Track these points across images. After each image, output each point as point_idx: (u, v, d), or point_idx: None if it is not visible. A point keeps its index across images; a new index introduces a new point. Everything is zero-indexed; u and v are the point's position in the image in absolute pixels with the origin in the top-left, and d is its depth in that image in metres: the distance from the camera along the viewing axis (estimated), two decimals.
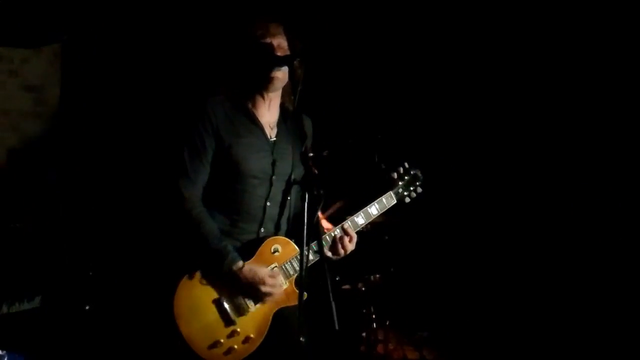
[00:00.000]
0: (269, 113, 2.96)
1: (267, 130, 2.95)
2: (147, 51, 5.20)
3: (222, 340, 2.74)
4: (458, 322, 4.95)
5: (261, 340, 2.80)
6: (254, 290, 2.76)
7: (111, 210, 4.84)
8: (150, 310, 2.95)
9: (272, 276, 2.79)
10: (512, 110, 4.96)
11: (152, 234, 4.18)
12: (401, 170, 3.18)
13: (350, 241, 2.96)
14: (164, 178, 2.88)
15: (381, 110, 5.19)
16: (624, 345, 4.16)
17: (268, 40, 2.84)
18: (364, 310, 4.43)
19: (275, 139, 2.95)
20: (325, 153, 4.23)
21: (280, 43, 2.85)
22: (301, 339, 2.60)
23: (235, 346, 2.75)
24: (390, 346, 4.50)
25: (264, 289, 2.76)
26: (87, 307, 4.32)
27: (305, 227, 2.47)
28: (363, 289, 4.46)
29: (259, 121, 2.93)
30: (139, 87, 5.18)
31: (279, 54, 2.82)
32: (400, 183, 3.16)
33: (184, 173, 2.80)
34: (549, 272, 4.65)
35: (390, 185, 3.14)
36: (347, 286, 4.46)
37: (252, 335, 2.78)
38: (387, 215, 3.25)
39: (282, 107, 3.02)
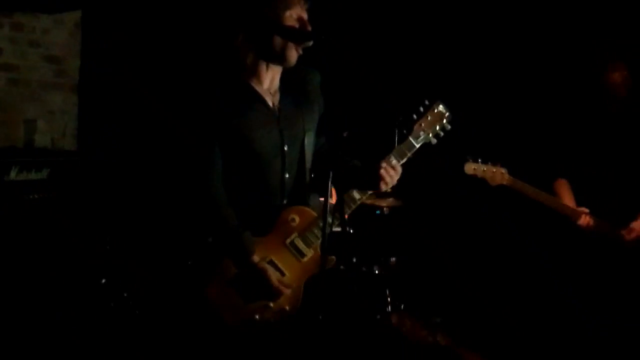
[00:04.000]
0: (269, 81, 2.83)
1: (269, 99, 2.83)
2: (166, 22, 5.18)
3: (257, 317, 2.74)
4: (472, 309, 4.95)
5: (296, 309, 2.78)
6: (262, 287, 2.75)
7: (132, 184, 4.84)
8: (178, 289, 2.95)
9: (282, 283, 2.75)
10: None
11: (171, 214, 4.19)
12: (421, 109, 2.91)
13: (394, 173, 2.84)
14: (179, 168, 2.85)
15: (402, 91, 5.16)
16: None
17: (294, 14, 2.71)
18: (379, 293, 4.44)
19: (278, 105, 2.84)
20: (345, 134, 4.18)
21: (304, 16, 2.72)
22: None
23: (271, 319, 2.75)
24: (404, 330, 4.49)
25: (268, 291, 2.74)
26: (102, 281, 4.35)
27: (326, 205, 2.46)
28: (378, 272, 4.46)
29: (258, 92, 2.81)
30: (159, 59, 5.16)
31: (306, 28, 2.70)
32: (422, 125, 2.89)
33: (201, 163, 2.74)
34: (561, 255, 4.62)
35: (408, 130, 2.89)
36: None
37: (286, 308, 2.77)
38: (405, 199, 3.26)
39: (285, 72, 2.86)
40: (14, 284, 3.97)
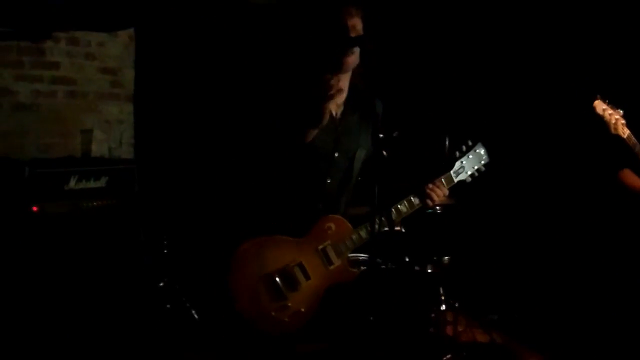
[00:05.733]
0: (335, 89, 2.96)
1: (333, 108, 2.98)
2: (219, 33, 5.28)
3: (273, 314, 2.82)
4: (528, 306, 4.90)
5: (312, 314, 2.87)
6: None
7: (187, 190, 4.94)
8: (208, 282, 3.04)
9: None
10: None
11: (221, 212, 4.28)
12: (463, 148, 3.15)
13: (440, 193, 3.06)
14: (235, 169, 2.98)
15: (453, 93, 5.15)
16: None
17: (342, 21, 2.84)
18: (433, 292, 4.41)
19: (340, 116, 3.00)
20: (395, 134, 4.21)
21: (355, 24, 2.85)
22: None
23: (286, 319, 2.83)
24: (460, 328, 4.47)
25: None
26: (161, 284, 4.45)
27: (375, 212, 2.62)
28: (431, 271, 4.44)
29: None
30: (211, 68, 5.27)
31: (352, 35, 2.83)
32: (463, 162, 3.12)
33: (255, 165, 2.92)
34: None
35: (450, 166, 3.11)
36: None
37: (302, 310, 2.85)
38: (456, 197, 3.30)
39: (352, 86, 3.03)
40: (75, 288, 4.09)
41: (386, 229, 2.86)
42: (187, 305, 4.26)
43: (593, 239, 4.73)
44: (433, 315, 4.39)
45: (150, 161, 5.06)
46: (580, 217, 4.85)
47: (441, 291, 4.40)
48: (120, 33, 5.25)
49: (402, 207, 3.01)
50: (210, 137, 5.06)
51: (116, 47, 5.26)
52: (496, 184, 5.00)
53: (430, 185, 3.04)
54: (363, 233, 2.90)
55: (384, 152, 2.71)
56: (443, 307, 4.38)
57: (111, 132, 5.22)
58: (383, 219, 2.79)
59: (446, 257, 4.50)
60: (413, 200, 3.03)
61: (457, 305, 4.49)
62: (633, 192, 3.89)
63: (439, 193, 3.04)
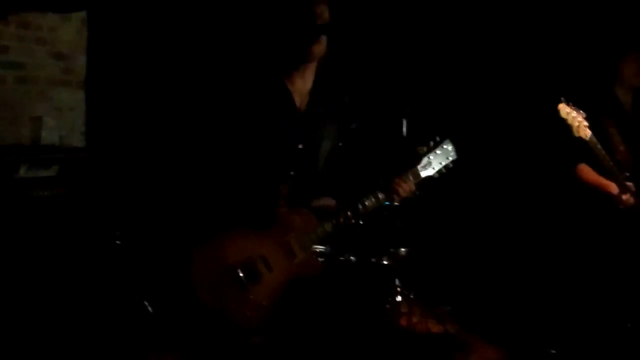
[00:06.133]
0: (302, 81, 2.96)
1: (297, 99, 2.95)
2: (175, 18, 5.19)
3: (234, 306, 2.80)
4: (480, 297, 4.96)
5: (273, 306, 2.86)
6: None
7: (141, 180, 4.85)
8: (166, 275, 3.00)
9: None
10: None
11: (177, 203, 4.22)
12: (431, 144, 3.13)
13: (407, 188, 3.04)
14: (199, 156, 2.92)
15: (411, 83, 5.16)
16: None
17: (310, 8, 2.80)
18: (389, 283, 4.44)
19: (305, 107, 2.97)
20: (353, 126, 4.20)
21: (322, 12, 2.82)
22: None
23: (248, 313, 2.82)
24: (414, 319, 4.50)
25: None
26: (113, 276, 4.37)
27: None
28: (387, 263, 4.46)
29: (289, 90, 2.93)
30: (166, 55, 5.17)
31: (319, 22, 2.80)
32: (430, 158, 3.11)
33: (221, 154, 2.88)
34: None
35: (416, 161, 3.10)
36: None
37: (264, 303, 2.84)
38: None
39: (318, 77, 3.00)
40: (23, 281, 3.98)
41: (353, 222, 2.87)
42: (141, 298, 4.18)
43: (549, 232, 4.80)
44: (388, 306, 4.42)
45: (102, 150, 4.95)
46: (537, 210, 4.93)
47: (397, 282, 4.44)
48: (72, 17, 5.11)
49: (368, 201, 3.01)
50: (165, 126, 4.98)
51: (68, 32, 5.12)
52: (452, 177, 5.06)
53: (397, 180, 3.02)
54: (328, 226, 2.89)
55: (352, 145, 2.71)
56: (398, 298, 4.42)
57: (62, 120, 5.09)
58: (349, 213, 2.79)
59: (403, 249, 4.54)
60: (379, 195, 3.03)
61: (412, 296, 4.53)
62: (588, 185, 4.00)
63: (406, 188, 3.04)
